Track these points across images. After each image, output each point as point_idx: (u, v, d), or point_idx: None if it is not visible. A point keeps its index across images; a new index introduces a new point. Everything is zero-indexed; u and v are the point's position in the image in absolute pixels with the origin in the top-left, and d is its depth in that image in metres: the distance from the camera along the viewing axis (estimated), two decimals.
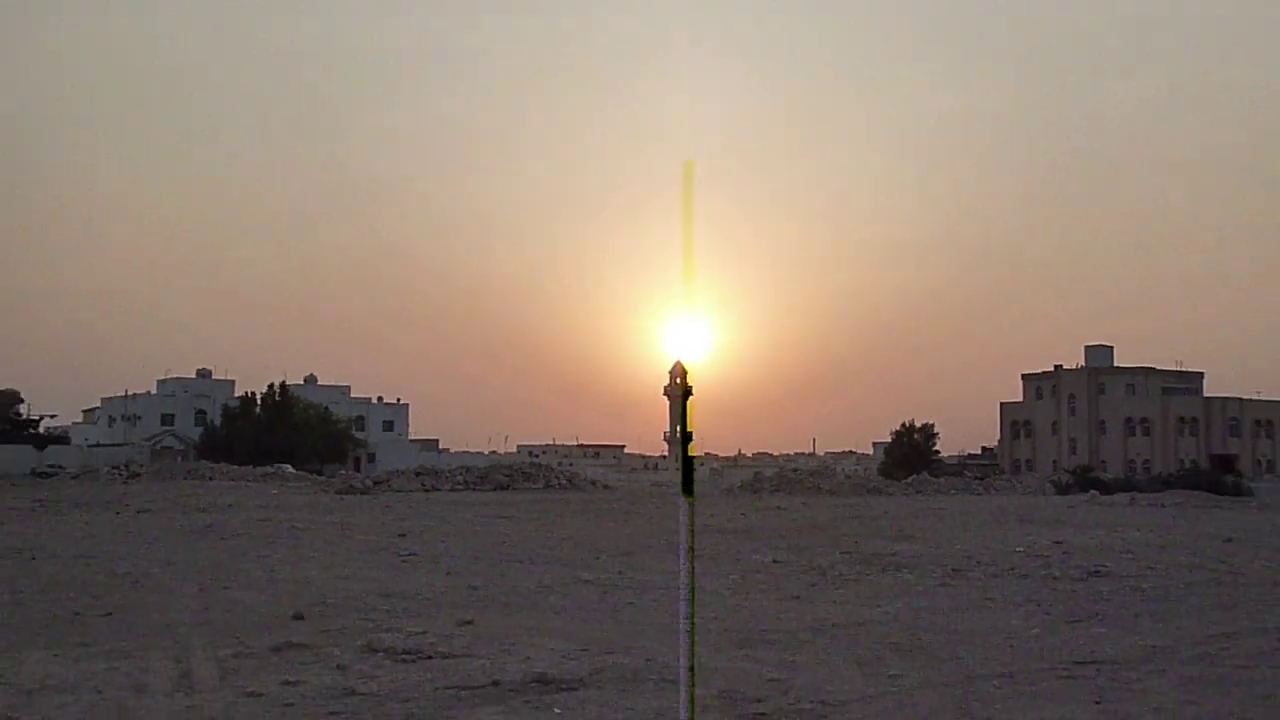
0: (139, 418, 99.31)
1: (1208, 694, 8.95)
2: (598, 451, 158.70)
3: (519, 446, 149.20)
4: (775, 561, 20.06)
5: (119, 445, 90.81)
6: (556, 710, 8.31)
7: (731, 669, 9.92)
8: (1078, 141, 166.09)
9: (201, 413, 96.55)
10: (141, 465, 73.95)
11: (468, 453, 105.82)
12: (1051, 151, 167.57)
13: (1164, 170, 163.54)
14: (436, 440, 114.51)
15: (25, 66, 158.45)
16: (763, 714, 8.18)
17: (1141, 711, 8.28)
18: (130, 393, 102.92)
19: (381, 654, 10.44)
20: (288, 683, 9.12)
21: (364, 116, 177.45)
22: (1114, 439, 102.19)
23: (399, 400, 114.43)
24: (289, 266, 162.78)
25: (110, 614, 13.11)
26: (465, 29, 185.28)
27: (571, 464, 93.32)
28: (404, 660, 10.16)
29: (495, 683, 9.19)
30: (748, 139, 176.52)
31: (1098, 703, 8.59)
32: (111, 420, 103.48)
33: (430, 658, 10.28)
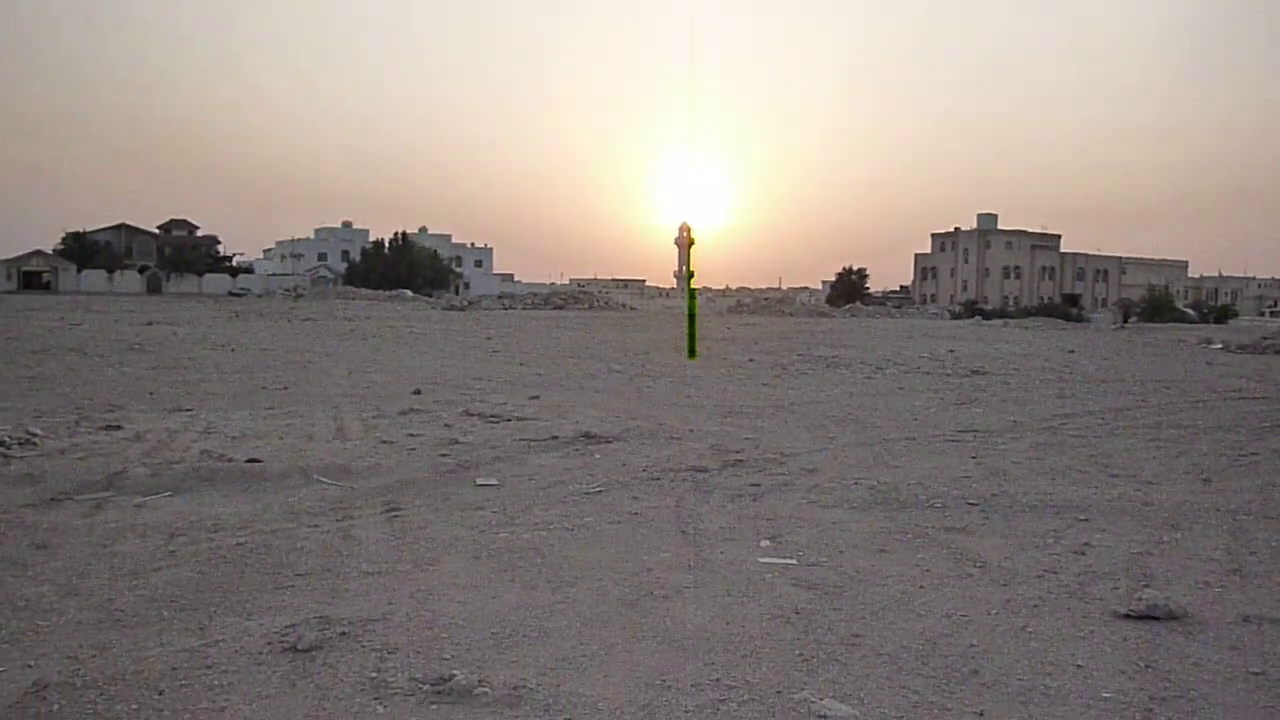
0: (302, 255, 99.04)
1: (1050, 453, 9.06)
2: (626, 283, 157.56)
3: (571, 279, 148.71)
4: (751, 360, 20.19)
5: (288, 275, 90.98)
6: (597, 455, 8.48)
7: (719, 431, 10.07)
8: (975, 72, 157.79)
9: (346, 252, 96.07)
10: (304, 289, 74.29)
11: (535, 283, 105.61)
12: (964, 75, 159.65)
13: (1033, 92, 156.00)
14: (513, 274, 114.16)
15: None
16: (740, 460, 8.34)
17: (1004, 464, 8.40)
18: (295, 237, 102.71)
19: (476, 417, 10.63)
20: (411, 435, 9.33)
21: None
22: (995, 281, 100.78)
23: (486, 245, 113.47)
24: (412, 149, 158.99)
25: (287, 388, 13.37)
26: None
27: (607, 292, 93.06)
28: (491, 421, 10.35)
29: (554, 437, 9.36)
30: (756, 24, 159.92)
31: (974, 458, 8.72)
32: (283, 257, 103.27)
33: (509, 420, 10.46)
